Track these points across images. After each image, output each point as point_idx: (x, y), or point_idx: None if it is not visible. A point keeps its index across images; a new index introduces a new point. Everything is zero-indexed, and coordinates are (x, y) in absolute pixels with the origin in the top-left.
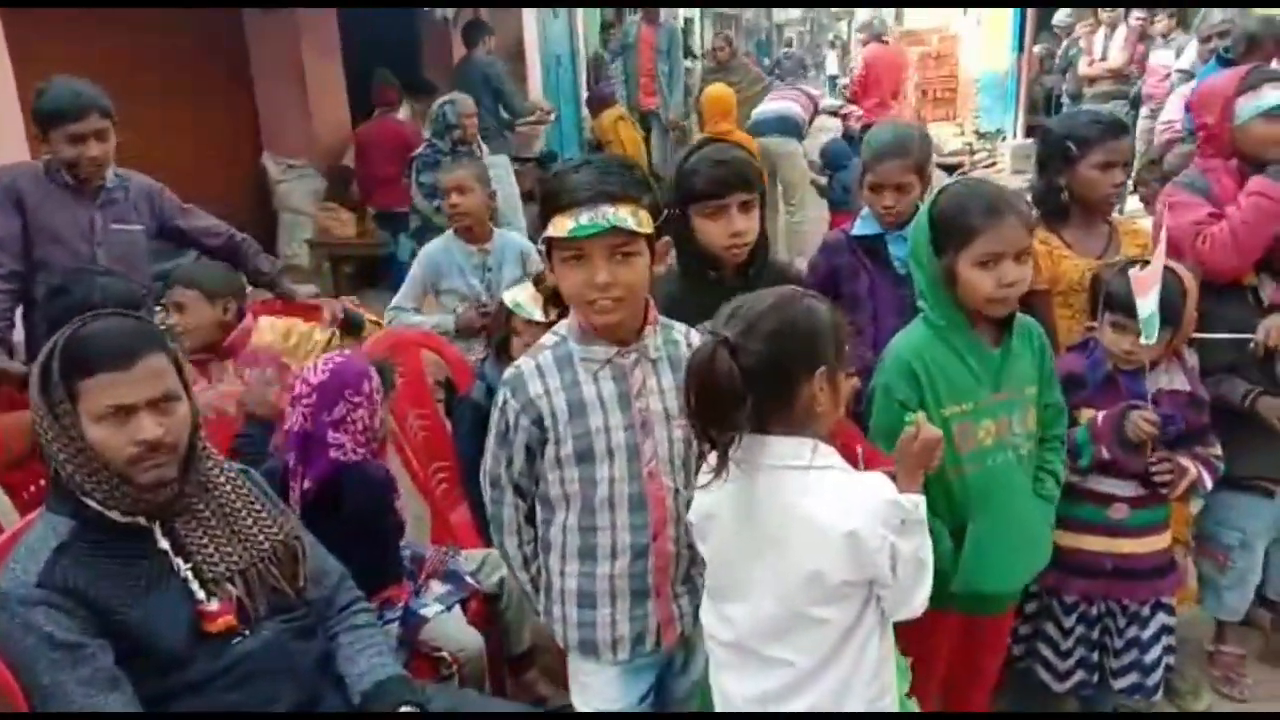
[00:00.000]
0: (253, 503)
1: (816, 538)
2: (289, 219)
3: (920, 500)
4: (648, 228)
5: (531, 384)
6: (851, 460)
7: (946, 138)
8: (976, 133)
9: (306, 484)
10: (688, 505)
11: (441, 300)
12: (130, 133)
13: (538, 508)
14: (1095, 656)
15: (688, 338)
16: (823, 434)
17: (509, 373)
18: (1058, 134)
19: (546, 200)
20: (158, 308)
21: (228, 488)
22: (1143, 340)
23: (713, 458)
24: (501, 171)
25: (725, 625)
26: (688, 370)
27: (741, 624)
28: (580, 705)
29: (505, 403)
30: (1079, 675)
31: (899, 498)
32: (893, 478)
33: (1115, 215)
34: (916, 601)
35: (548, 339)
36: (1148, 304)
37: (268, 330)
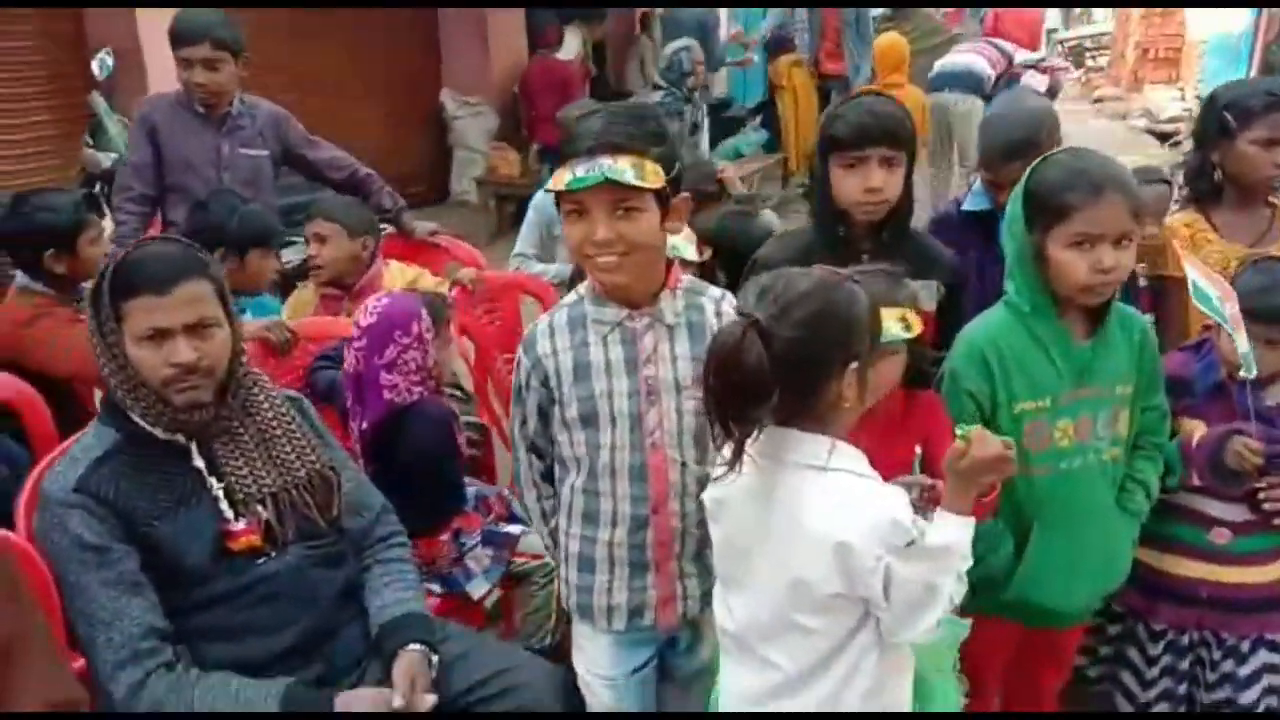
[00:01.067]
0: (293, 430)
1: (807, 544)
2: (463, 156)
3: (954, 525)
4: (653, 182)
5: (541, 343)
6: (906, 460)
7: (1164, 102)
8: (1199, 98)
9: (364, 425)
10: (699, 481)
11: (556, 246)
12: (320, 66)
13: (555, 466)
14: (1183, 689)
15: (718, 305)
16: (842, 431)
17: (527, 331)
18: (1219, 103)
19: (559, 148)
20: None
21: (270, 414)
22: (1241, 374)
23: (727, 449)
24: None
25: (728, 615)
26: (709, 351)
27: (740, 616)
28: (578, 667)
29: (520, 360)
30: (1162, 707)
31: (907, 520)
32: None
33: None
34: (919, 628)
35: (569, 297)
36: (1244, 337)
37: (397, 275)
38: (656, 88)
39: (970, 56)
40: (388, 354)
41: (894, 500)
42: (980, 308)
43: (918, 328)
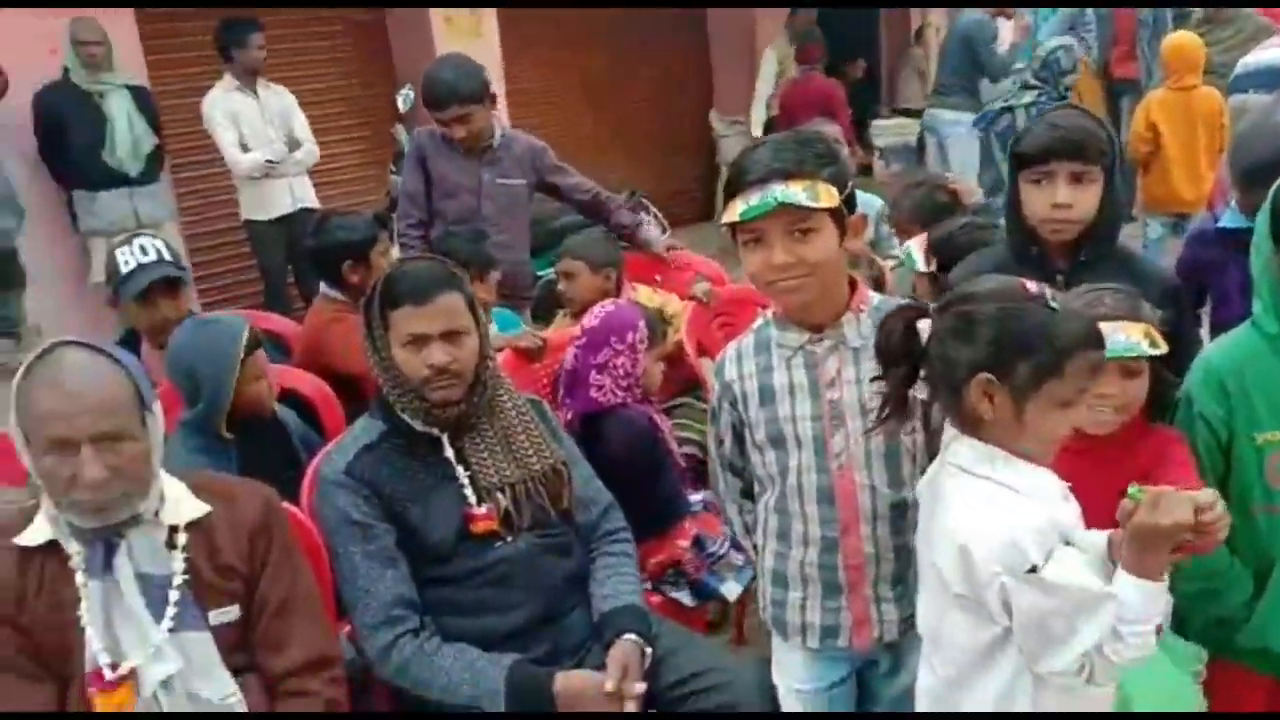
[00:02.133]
0: (532, 429)
1: (943, 540)
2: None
3: (1127, 585)
4: (828, 202)
5: (729, 367)
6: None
7: None
8: None
9: (569, 416)
10: (892, 506)
11: None
12: (599, 83)
13: (754, 483)
14: None
15: None
16: (1014, 445)
17: (719, 357)
18: None
19: (726, 185)
20: (548, 272)
21: (513, 414)
22: None
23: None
24: (962, 130)
25: (920, 615)
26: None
27: (920, 614)
28: (776, 680)
29: (714, 383)
30: None
31: (1029, 545)
32: None
33: None
34: (1050, 665)
35: (756, 321)
36: None
37: (645, 299)
38: (1028, 87)
39: (1275, 52)
40: (601, 355)
41: (1025, 521)
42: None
43: (1162, 346)
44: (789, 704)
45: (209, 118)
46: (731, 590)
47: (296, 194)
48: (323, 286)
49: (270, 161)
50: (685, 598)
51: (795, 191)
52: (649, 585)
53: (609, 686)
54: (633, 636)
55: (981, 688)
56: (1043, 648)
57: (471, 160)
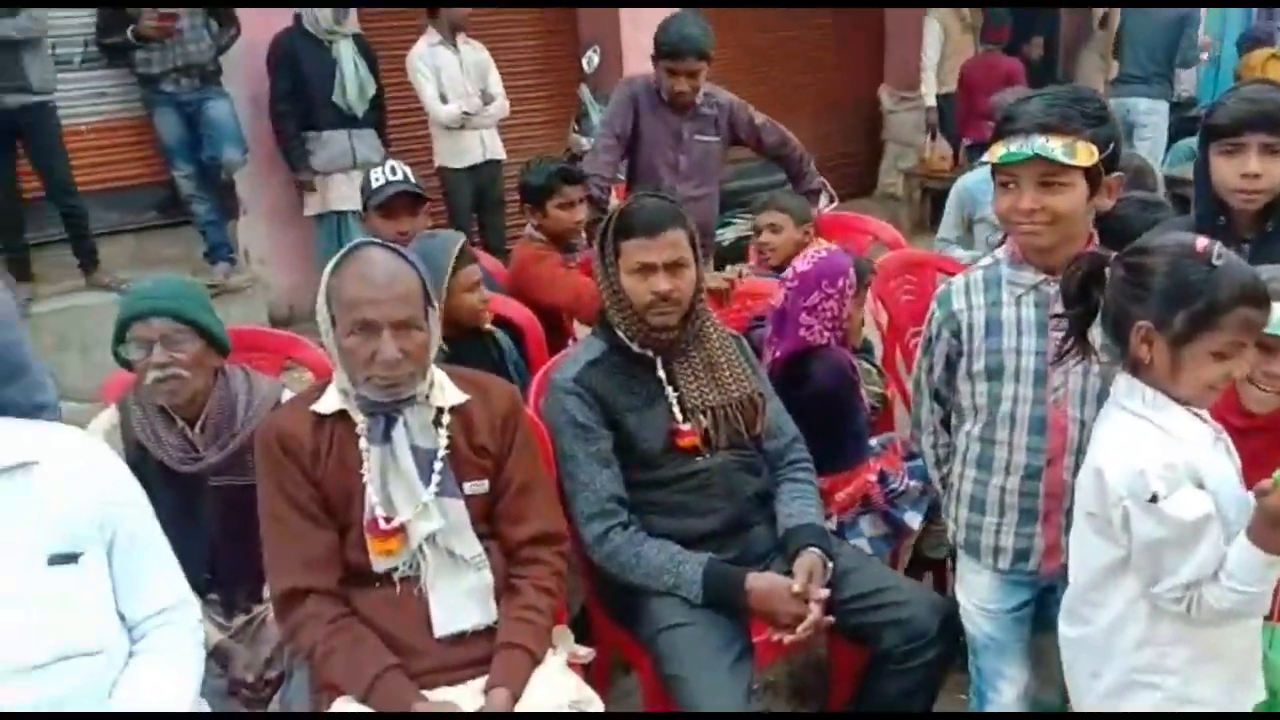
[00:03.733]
0: (734, 360)
1: (1088, 462)
2: (894, 149)
3: (1243, 549)
4: (1085, 160)
5: (956, 299)
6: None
7: None
8: None
9: (777, 354)
10: None
11: (975, 230)
12: (767, 50)
13: (953, 414)
14: None
15: None
16: (1170, 390)
17: (941, 288)
18: None
19: (996, 128)
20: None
21: (718, 344)
22: None
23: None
24: (1158, 119)
25: None
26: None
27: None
28: (961, 599)
29: (932, 314)
30: None
31: (1154, 477)
32: None
33: None
34: (1156, 589)
35: (984, 259)
36: None
37: None
38: None
39: None
40: (812, 298)
41: (1157, 454)
42: None
43: None
44: (974, 621)
45: (413, 69)
46: (913, 519)
47: (487, 145)
48: (528, 227)
49: (466, 113)
50: (873, 526)
51: (1053, 146)
52: (836, 524)
53: (795, 588)
54: (816, 550)
55: (1105, 604)
56: (1154, 573)
57: (675, 115)
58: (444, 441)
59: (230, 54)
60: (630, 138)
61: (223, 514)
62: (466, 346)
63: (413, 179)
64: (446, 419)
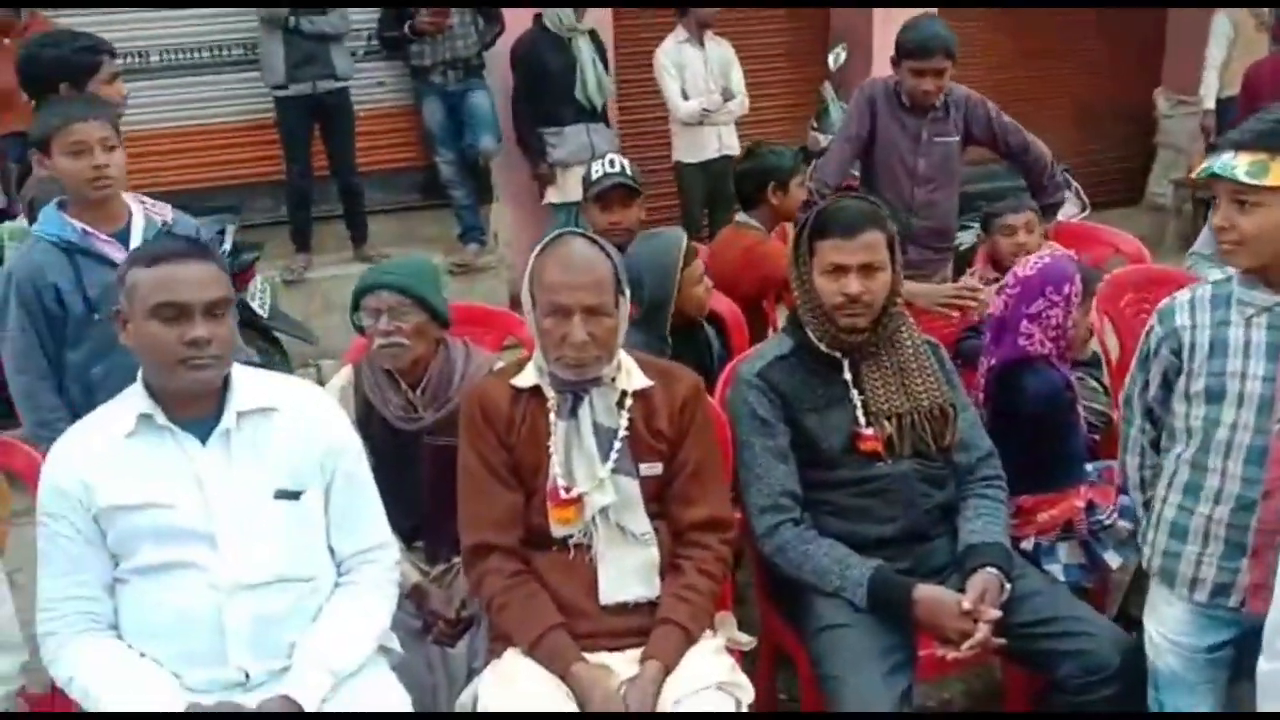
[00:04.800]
0: (926, 368)
1: None
2: (1167, 157)
3: None
4: (1274, 180)
5: (1180, 315)
6: None
7: None
8: None
9: (992, 361)
10: None
11: None
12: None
13: (1163, 436)
14: None
15: None
16: None
17: (1164, 302)
18: None
19: None
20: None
21: (910, 350)
22: None
23: None
24: None
25: None
26: None
27: None
28: (1149, 628)
29: (1151, 329)
30: None
31: None
32: None
33: None
34: None
35: (1214, 274)
36: None
37: None
38: None
39: None
40: (1035, 305)
41: None
42: None
43: None
44: (1160, 654)
45: (660, 65)
46: (1112, 559)
47: (723, 141)
48: (739, 215)
49: (705, 110)
50: (1071, 556)
51: (1237, 164)
52: (1033, 544)
53: (965, 605)
54: (994, 570)
55: None
56: None
57: (915, 116)
58: (624, 422)
59: (492, 49)
60: (866, 142)
61: (434, 471)
62: (683, 338)
63: (629, 172)
64: (629, 402)
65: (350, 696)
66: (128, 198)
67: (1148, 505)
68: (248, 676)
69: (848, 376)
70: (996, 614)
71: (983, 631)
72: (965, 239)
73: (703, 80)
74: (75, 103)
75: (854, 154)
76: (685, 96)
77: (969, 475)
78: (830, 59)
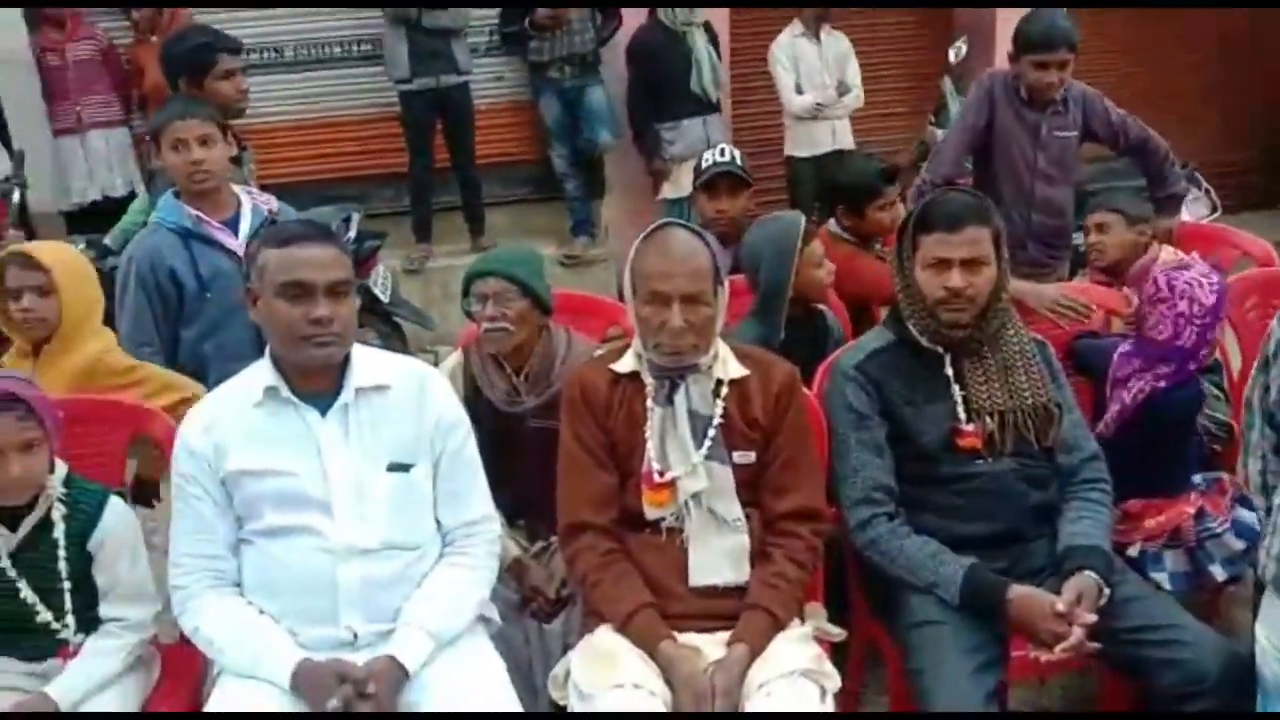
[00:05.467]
0: (1031, 366)
1: None
2: None
3: None
4: None
5: None
6: None
7: None
8: None
9: (1144, 385)
10: None
11: None
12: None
13: None
14: None
15: None
16: None
17: None
18: None
19: None
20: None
21: (1016, 348)
22: None
23: None
24: None
25: None
26: None
27: None
28: (1260, 635)
29: (1274, 331)
30: None
31: None
32: None
33: None
34: None
35: None
36: None
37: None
38: None
39: None
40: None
41: None
42: None
43: None
44: (1268, 662)
45: (774, 59)
46: (1218, 573)
47: (837, 136)
48: (831, 224)
49: (819, 104)
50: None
51: None
52: (1139, 551)
53: (1059, 607)
54: (1092, 574)
55: None
56: None
57: (1034, 110)
58: (719, 410)
59: (609, 44)
60: (983, 136)
61: (536, 452)
62: (799, 326)
63: (739, 161)
64: (724, 390)
65: (450, 661)
66: (237, 189)
67: (1269, 512)
68: (356, 636)
69: (949, 371)
70: (1092, 618)
71: (1077, 635)
72: (1082, 240)
73: (818, 74)
74: (179, 101)
75: (969, 146)
76: (800, 90)
77: (1072, 477)
78: (951, 52)
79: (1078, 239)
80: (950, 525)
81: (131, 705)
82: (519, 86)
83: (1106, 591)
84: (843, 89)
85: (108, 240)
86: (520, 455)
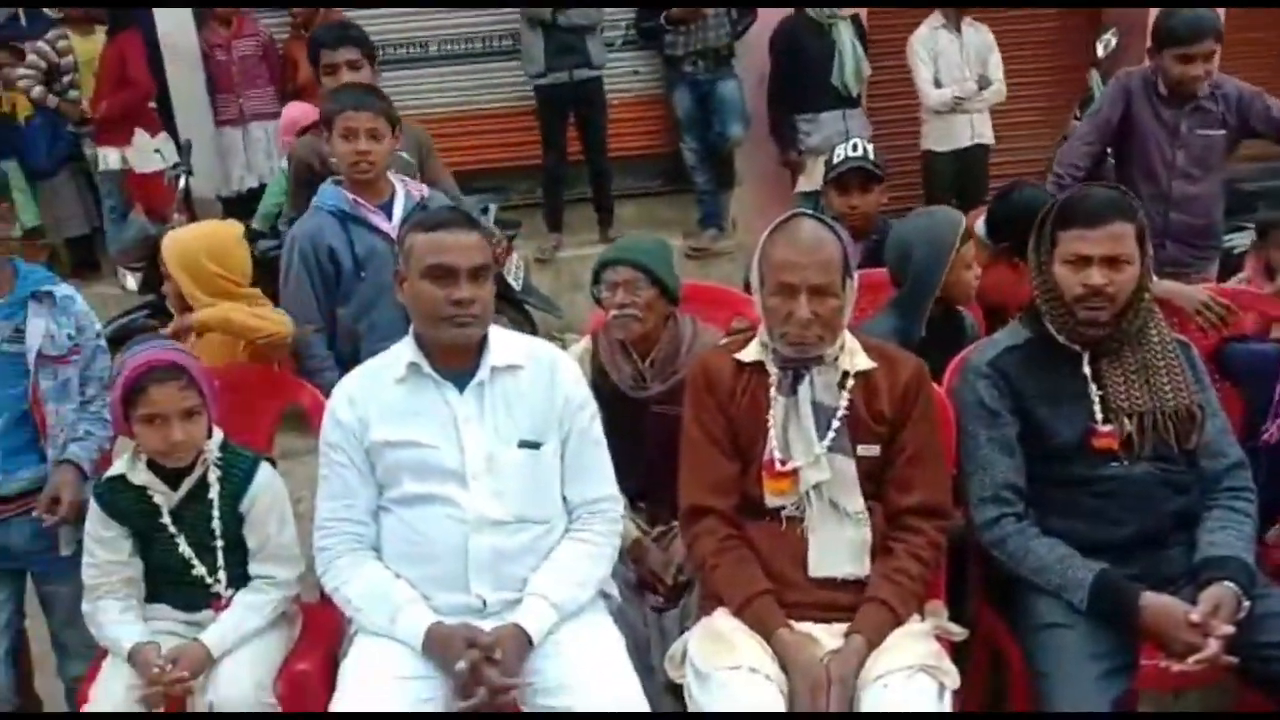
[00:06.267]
0: (1174, 367)
1: None
2: None
3: None
4: None
5: None
6: None
7: None
8: None
9: None
10: None
11: None
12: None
13: None
14: None
15: None
16: None
17: None
18: None
19: None
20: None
21: (1157, 348)
22: None
23: None
24: None
25: None
26: None
27: None
28: None
29: None
30: None
31: None
32: None
33: None
34: None
35: None
36: None
37: None
38: None
39: None
40: None
41: None
42: None
43: None
44: None
45: (913, 52)
46: None
47: (976, 129)
48: (978, 226)
49: (958, 98)
50: None
51: None
52: None
53: (1194, 617)
54: (1231, 585)
55: None
56: None
57: (1172, 108)
58: (844, 402)
59: (744, 37)
60: (1115, 131)
61: (659, 438)
62: (936, 326)
63: (872, 156)
64: (850, 382)
65: (572, 632)
66: (392, 177)
67: None
68: (485, 604)
69: (1086, 371)
70: (1229, 630)
71: (1212, 647)
72: (1238, 240)
73: (957, 67)
74: (353, 93)
75: (1100, 140)
76: (938, 84)
77: (1215, 484)
78: (1099, 46)
79: (1230, 240)
80: (1082, 528)
81: (275, 658)
82: (652, 80)
83: (1246, 604)
84: (983, 82)
85: (255, 224)
86: (643, 440)
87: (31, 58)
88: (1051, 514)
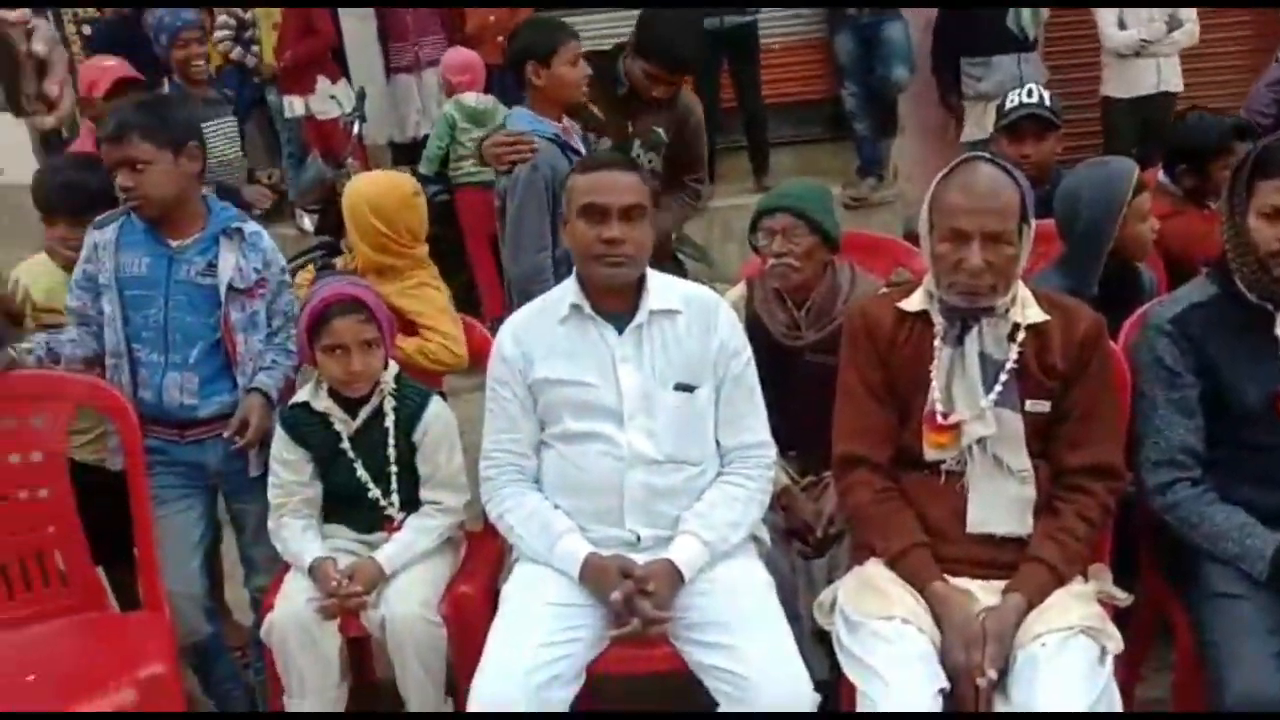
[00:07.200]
0: None
1: None
2: None
3: None
4: None
5: None
6: None
7: None
8: None
9: None
10: None
11: None
12: None
13: None
14: None
15: None
16: None
17: None
18: None
19: None
20: None
21: None
22: None
23: None
24: None
25: None
26: None
27: None
28: None
29: None
30: None
31: None
32: None
33: None
34: None
35: None
36: None
37: None
38: None
39: None
40: None
41: None
42: None
43: None
44: None
45: None
46: None
47: (1163, 75)
48: (1160, 175)
49: (1145, 40)
50: None
51: None
52: None
53: None
54: None
55: None
56: None
57: None
58: (1014, 355)
59: None
60: None
61: (813, 387)
62: (1111, 283)
63: (1048, 103)
64: (1021, 335)
65: (723, 571)
66: None
67: None
68: (639, 539)
69: (1279, 331)
70: None
71: None
72: None
73: (1145, 7)
74: (561, 25)
75: None
76: (1123, 25)
77: None
78: None
79: None
80: (1264, 495)
81: (441, 579)
82: (814, 24)
83: None
84: (1174, 23)
85: (421, 168)
86: (795, 389)
87: (223, 18)
88: (1232, 480)
